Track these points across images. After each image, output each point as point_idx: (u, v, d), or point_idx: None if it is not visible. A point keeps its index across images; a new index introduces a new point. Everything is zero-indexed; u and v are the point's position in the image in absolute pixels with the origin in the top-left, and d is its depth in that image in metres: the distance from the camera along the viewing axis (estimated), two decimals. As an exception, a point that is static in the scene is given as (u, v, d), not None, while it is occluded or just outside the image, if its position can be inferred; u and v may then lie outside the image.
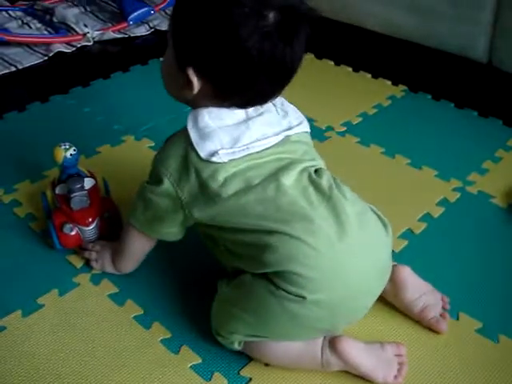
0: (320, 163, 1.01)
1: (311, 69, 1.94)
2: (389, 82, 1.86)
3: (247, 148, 0.93)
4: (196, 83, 0.92)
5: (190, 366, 0.99)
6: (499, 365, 1.00)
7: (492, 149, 1.55)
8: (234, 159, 0.93)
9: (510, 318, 1.07)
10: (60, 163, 1.23)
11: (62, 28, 2.15)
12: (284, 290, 0.88)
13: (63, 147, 1.22)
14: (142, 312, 1.08)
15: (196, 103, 0.96)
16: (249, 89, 0.92)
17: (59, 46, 2.05)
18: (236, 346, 0.98)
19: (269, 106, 0.98)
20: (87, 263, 1.17)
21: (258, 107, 0.97)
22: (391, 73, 1.89)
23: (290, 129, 0.99)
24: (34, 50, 2.03)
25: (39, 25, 2.20)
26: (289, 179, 0.93)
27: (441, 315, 1.05)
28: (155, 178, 0.99)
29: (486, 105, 1.72)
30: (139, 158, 1.46)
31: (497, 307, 1.10)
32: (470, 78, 1.83)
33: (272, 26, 0.87)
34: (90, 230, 1.18)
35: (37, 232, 1.26)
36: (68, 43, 2.08)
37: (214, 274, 1.06)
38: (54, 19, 2.20)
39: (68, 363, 0.99)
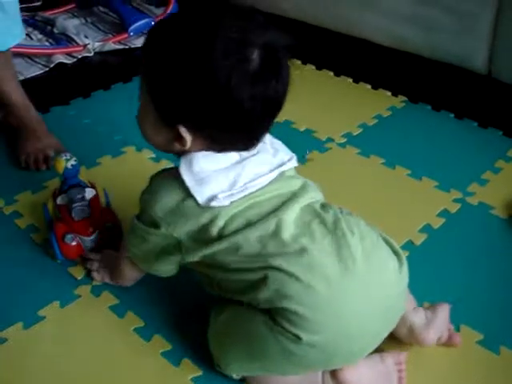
0: (320, 196, 0.99)
1: (311, 80, 1.94)
2: (389, 93, 1.86)
3: (246, 188, 0.91)
4: (189, 139, 0.90)
5: (191, 379, 0.98)
6: (500, 377, 1.00)
7: (492, 159, 1.55)
8: (234, 201, 0.90)
9: (511, 330, 1.07)
10: (61, 174, 1.23)
11: (62, 39, 2.16)
12: (281, 326, 0.85)
13: (64, 158, 1.23)
14: (143, 324, 1.08)
15: (186, 153, 0.93)
16: (246, 135, 0.91)
17: (60, 57, 2.05)
18: (235, 377, 0.97)
19: (260, 144, 0.96)
20: (88, 274, 1.17)
21: None
22: (391, 84, 1.89)
23: (282, 164, 0.96)
24: (35, 61, 2.04)
25: (40, 36, 2.21)
26: (290, 215, 0.91)
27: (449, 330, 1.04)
28: (149, 221, 0.96)
29: (486, 115, 1.72)
30: (140, 169, 1.46)
31: (498, 319, 1.09)
32: (470, 89, 1.83)
33: (258, 65, 0.85)
34: (91, 240, 1.18)
35: (38, 243, 1.26)
36: (69, 54, 2.09)
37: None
38: (55, 30, 2.21)
39: (68, 375, 0.99)
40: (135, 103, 1.01)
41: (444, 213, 1.36)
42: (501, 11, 1.71)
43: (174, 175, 0.93)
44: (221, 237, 0.90)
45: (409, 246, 1.25)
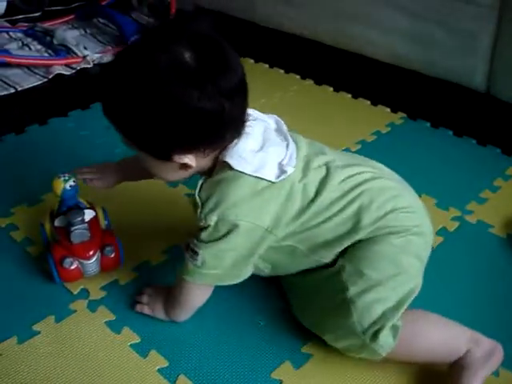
0: None
1: (311, 95, 1.94)
2: (388, 110, 1.86)
3: (291, 154, 0.97)
4: (189, 160, 0.93)
5: (187, 397, 0.98)
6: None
7: (490, 178, 1.55)
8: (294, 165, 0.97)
9: (509, 352, 1.06)
10: (59, 195, 1.19)
11: (62, 50, 2.16)
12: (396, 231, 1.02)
13: (62, 178, 1.19)
14: (139, 340, 1.07)
15: (201, 167, 0.98)
16: (234, 122, 0.93)
17: (59, 68, 2.05)
18: (391, 341, 0.96)
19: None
20: (135, 306, 1.13)
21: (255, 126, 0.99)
22: (390, 100, 1.89)
23: (282, 125, 1.04)
24: (34, 72, 2.04)
25: (39, 46, 2.21)
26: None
27: None
28: (225, 231, 0.95)
29: (485, 133, 1.73)
30: (140, 183, 1.45)
31: (495, 338, 1.08)
32: (469, 107, 1.83)
33: (195, 70, 0.86)
34: (91, 263, 1.14)
35: (33, 256, 1.25)
36: (68, 65, 2.09)
37: (211, 300, 1.06)
38: (54, 41, 2.21)
39: (63, 392, 0.98)
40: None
41: (442, 231, 1.35)
42: (500, 30, 1.72)
43: (228, 177, 0.95)
44: (313, 199, 0.97)
45: (407, 264, 1.24)
